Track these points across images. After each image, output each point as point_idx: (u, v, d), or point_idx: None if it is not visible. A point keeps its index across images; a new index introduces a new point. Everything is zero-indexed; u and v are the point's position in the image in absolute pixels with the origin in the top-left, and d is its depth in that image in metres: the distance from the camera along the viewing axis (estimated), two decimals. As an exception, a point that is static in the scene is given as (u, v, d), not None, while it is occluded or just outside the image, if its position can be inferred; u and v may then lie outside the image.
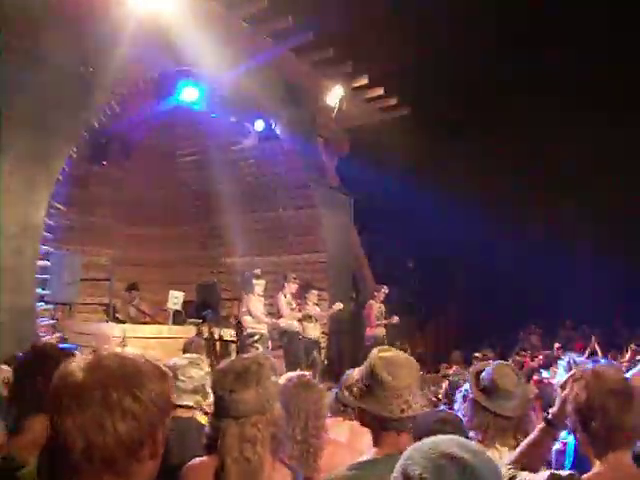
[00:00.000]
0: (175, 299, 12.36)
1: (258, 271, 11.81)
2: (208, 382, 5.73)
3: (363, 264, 16.56)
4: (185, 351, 6.82)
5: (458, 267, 19.73)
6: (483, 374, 3.52)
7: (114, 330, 10.51)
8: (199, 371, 4.36)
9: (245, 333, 11.12)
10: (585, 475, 2.50)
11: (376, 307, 13.01)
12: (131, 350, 1.67)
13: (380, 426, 2.73)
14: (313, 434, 3.17)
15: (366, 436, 4.04)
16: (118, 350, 1.63)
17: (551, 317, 17.68)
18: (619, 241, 18.28)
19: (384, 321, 12.96)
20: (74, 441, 1.45)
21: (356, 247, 16.00)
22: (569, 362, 5.30)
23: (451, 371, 12.18)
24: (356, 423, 4.30)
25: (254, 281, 11.08)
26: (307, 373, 3.68)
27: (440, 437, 1.64)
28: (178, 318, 12.36)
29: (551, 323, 17.70)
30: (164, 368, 1.64)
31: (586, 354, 11.90)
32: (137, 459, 1.52)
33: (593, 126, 17.55)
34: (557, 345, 14.27)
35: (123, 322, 11.87)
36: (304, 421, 3.16)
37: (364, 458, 2.76)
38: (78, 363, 1.54)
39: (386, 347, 2.88)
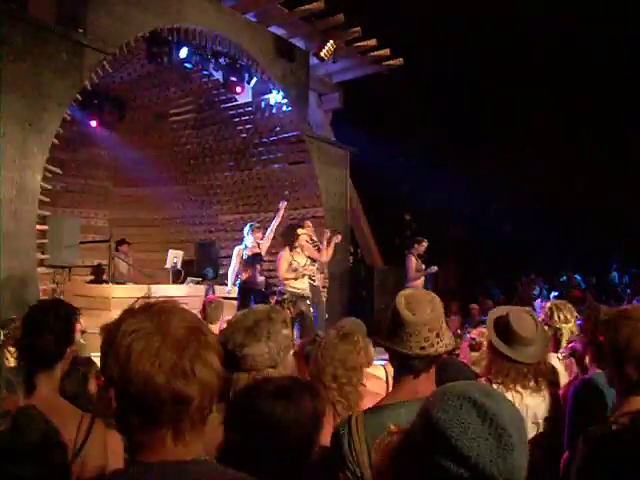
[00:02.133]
0: (174, 258, 12.40)
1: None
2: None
3: (360, 218, 16.57)
4: (204, 311, 6.87)
5: (455, 218, 19.75)
6: (501, 321, 3.50)
7: (114, 291, 10.56)
8: None
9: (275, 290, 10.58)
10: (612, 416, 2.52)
11: (414, 260, 12.84)
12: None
13: (400, 365, 2.68)
14: (344, 382, 3.19)
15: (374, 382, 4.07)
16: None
17: (550, 266, 17.73)
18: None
19: (424, 272, 12.76)
20: (189, 390, 1.50)
21: (353, 201, 15.98)
22: (551, 308, 5.35)
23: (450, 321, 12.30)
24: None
25: (298, 231, 10.26)
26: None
27: (461, 382, 1.63)
28: (178, 277, 12.42)
29: (550, 273, 17.75)
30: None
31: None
32: (208, 412, 1.59)
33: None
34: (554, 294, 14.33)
35: (122, 283, 11.92)
36: (334, 370, 3.18)
37: (381, 403, 2.73)
38: (153, 322, 1.56)
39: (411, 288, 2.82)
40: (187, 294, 11.00)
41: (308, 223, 11.28)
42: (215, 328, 6.47)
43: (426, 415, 1.54)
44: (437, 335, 2.59)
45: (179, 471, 1.53)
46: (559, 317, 5.10)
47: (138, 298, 1.68)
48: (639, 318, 2.53)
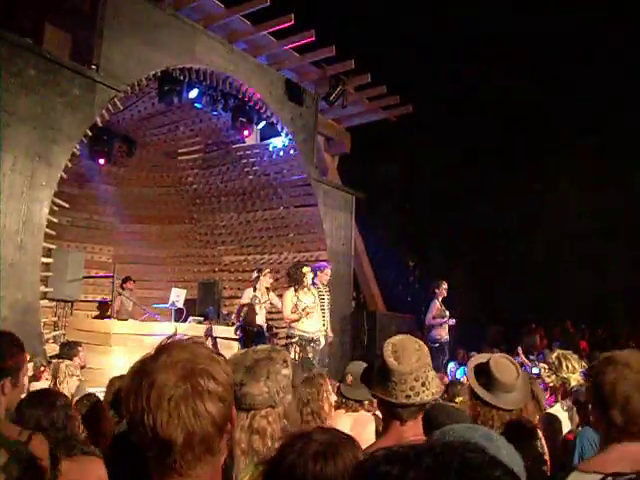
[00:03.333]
0: (177, 297, 12.38)
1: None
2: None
3: (364, 263, 16.56)
4: None
5: (457, 264, 19.73)
6: (482, 368, 3.50)
7: (114, 327, 10.54)
8: None
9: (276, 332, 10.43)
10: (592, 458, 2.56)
11: (437, 306, 12.76)
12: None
13: (387, 413, 2.72)
14: (307, 420, 3.17)
15: (369, 426, 4.05)
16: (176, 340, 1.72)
17: (549, 313, 17.68)
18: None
19: (443, 321, 12.66)
20: (175, 434, 1.54)
21: (357, 245, 15.98)
22: (558, 357, 5.34)
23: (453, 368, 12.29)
24: (359, 414, 4.33)
25: (303, 270, 10.07)
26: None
27: (462, 425, 1.63)
28: (179, 315, 12.40)
29: (550, 320, 17.68)
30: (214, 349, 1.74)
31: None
32: (223, 435, 1.64)
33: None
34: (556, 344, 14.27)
35: (125, 319, 11.89)
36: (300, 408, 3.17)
37: (367, 450, 2.73)
38: (151, 362, 1.62)
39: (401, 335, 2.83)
40: (186, 333, 10.97)
41: (327, 272, 11.25)
42: None
43: None
44: (423, 384, 2.63)
45: None
46: (567, 367, 5.10)
47: (168, 336, 1.75)
48: (624, 362, 2.55)
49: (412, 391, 2.60)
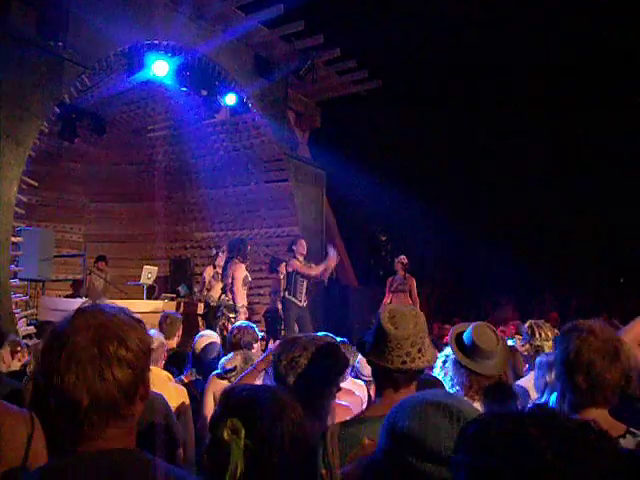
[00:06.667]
0: (149, 274, 12.35)
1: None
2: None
3: (336, 238, 16.58)
4: (160, 325, 6.82)
5: (429, 241, 19.80)
6: (463, 335, 3.54)
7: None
8: None
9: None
10: None
11: (390, 280, 12.99)
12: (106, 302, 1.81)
13: (382, 379, 2.69)
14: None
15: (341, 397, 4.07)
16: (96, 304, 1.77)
17: (523, 288, 17.83)
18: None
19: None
20: (80, 395, 1.59)
21: (329, 220, 15.99)
22: (531, 326, 5.40)
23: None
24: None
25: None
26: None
27: (419, 392, 1.66)
28: (151, 293, 12.38)
29: (523, 294, 17.84)
30: (136, 315, 1.79)
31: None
32: (133, 402, 1.69)
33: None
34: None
35: (96, 298, 11.83)
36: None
37: (359, 416, 2.75)
38: (67, 324, 1.67)
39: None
40: (157, 310, 10.93)
41: (302, 242, 11.43)
42: (172, 343, 6.60)
43: (394, 428, 1.56)
44: (419, 350, 2.60)
45: (98, 458, 1.63)
46: (540, 335, 5.16)
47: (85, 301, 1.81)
48: (589, 330, 2.62)
49: (408, 357, 2.58)
